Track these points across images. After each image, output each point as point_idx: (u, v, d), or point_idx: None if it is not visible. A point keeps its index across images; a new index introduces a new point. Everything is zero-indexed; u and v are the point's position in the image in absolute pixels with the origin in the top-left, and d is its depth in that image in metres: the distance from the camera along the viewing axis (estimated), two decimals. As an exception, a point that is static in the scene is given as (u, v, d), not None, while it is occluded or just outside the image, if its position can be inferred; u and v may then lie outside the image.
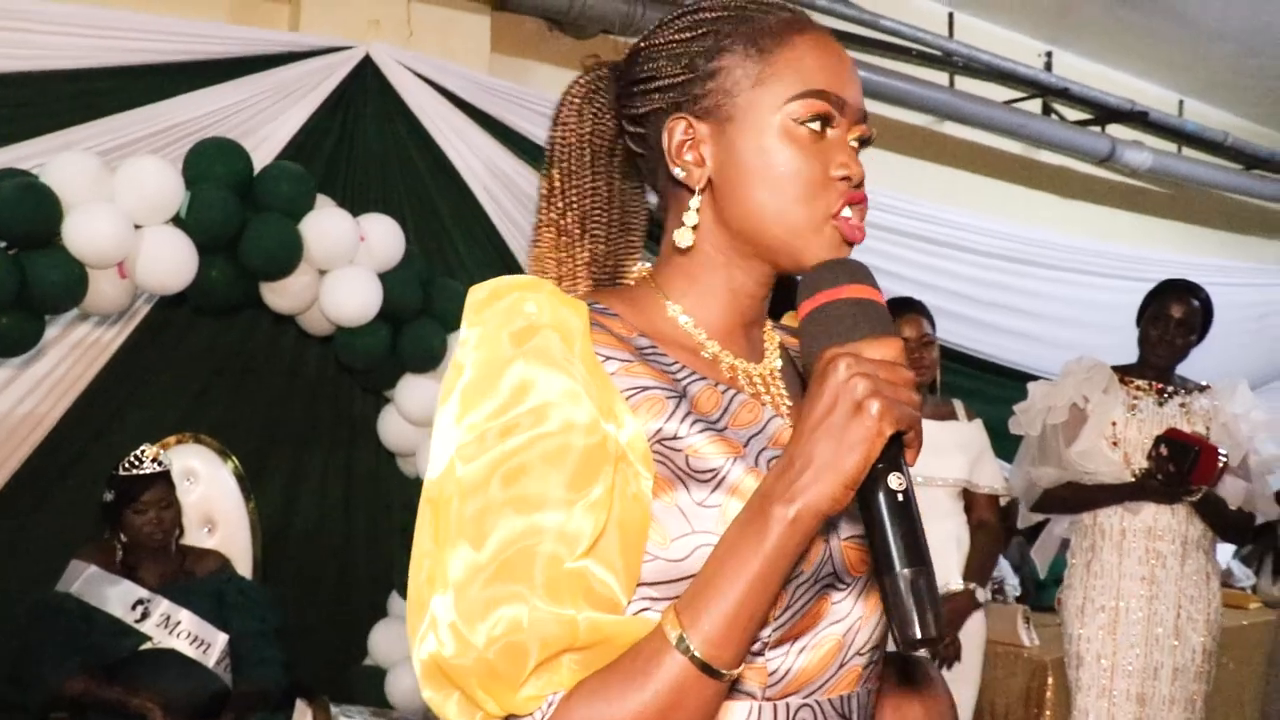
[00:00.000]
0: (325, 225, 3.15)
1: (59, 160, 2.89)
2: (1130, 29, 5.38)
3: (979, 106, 4.97)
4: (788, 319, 1.09)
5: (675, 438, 0.86)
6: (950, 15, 5.13)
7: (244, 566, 3.24)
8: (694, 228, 0.95)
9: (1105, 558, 3.18)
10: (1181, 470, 3.00)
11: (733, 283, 0.97)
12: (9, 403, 3.03)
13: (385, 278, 3.24)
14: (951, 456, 3.25)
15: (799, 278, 0.91)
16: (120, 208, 2.89)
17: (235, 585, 3.05)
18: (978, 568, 3.25)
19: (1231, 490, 3.13)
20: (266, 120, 3.31)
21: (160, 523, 2.92)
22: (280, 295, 3.18)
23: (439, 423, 0.85)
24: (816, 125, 0.92)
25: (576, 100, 1.01)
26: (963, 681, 3.16)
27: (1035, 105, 5.36)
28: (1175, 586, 3.12)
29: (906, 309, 3.24)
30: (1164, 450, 3.03)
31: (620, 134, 1.00)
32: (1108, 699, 3.12)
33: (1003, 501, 3.41)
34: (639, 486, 0.84)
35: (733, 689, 0.83)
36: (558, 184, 0.99)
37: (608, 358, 0.88)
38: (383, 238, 3.27)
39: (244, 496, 3.30)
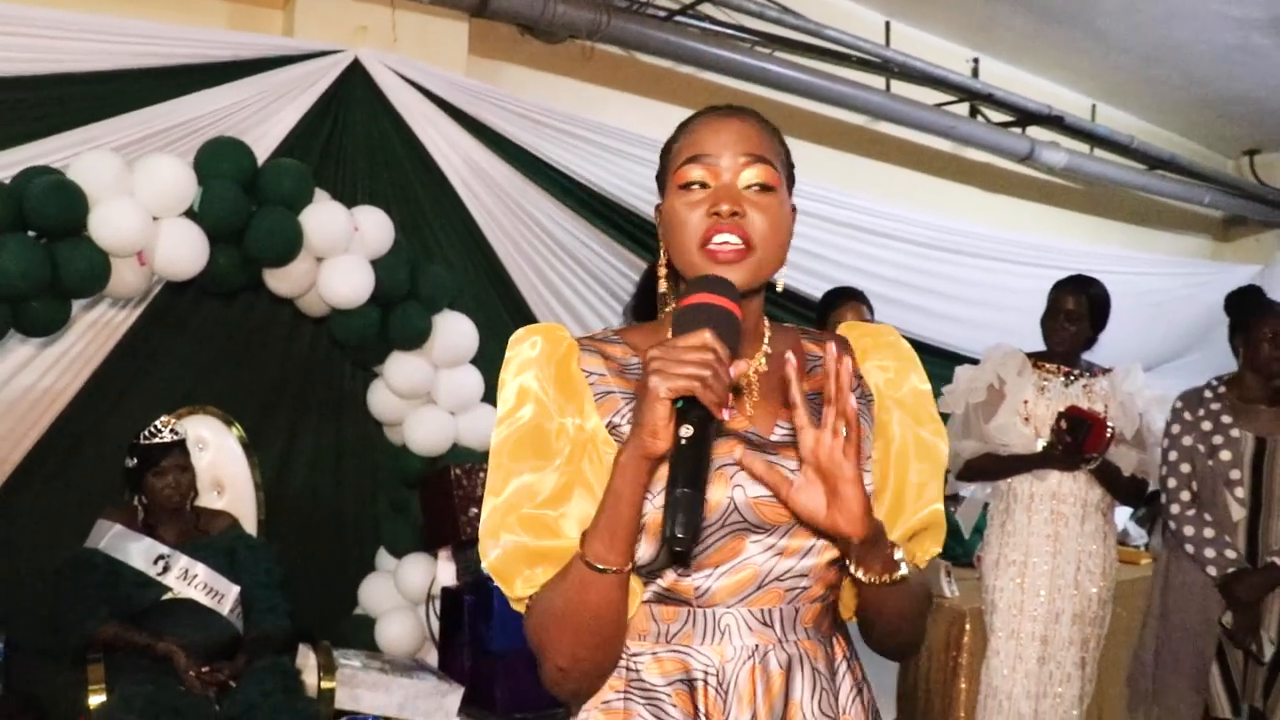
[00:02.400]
0: (323, 217, 3.33)
1: (85, 159, 3.03)
2: (1049, 41, 5.57)
3: (912, 109, 5.15)
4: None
5: (618, 426, 1.19)
6: (887, 25, 5.31)
7: (249, 525, 3.42)
8: (665, 277, 1.25)
9: (1017, 519, 3.40)
10: (1077, 441, 3.24)
11: None
12: (31, 378, 3.19)
13: (376, 264, 3.42)
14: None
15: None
16: (140, 202, 3.06)
17: (244, 542, 3.24)
18: None
19: (1125, 459, 3.37)
20: (264, 119, 3.46)
21: (178, 486, 3.12)
22: (282, 281, 3.36)
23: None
24: (694, 185, 1.19)
25: None
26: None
27: (963, 108, 5.54)
28: (1076, 544, 3.35)
29: (848, 297, 3.42)
30: (1063, 424, 3.26)
31: None
32: (1016, 640, 3.37)
33: None
34: (604, 459, 1.16)
35: (672, 598, 1.16)
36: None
37: (590, 372, 1.21)
38: (375, 228, 3.46)
39: (249, 462, 3.48)
